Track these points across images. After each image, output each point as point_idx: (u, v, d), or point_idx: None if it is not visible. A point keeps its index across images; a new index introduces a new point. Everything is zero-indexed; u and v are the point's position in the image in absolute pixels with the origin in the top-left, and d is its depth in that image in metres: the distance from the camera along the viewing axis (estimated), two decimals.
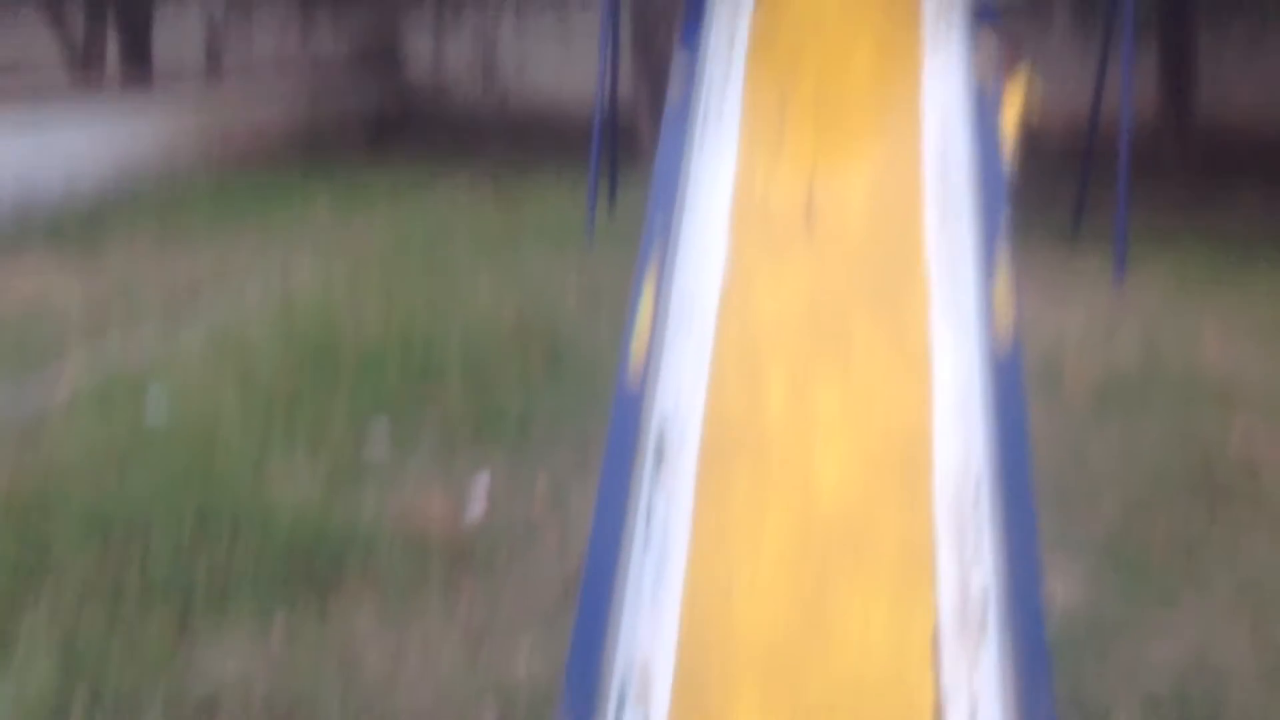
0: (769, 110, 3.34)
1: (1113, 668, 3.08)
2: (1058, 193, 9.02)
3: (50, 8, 11.95)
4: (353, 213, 8.92)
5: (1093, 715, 2.87)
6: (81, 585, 3.25)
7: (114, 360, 5.34)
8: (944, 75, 3.44)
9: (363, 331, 5.53)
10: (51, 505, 3.67)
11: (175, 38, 14.04)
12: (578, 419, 4.73)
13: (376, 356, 5.28)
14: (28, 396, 4.89)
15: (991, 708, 1.98)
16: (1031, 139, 8.89)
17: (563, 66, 13.79)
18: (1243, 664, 3.12)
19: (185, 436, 4.25)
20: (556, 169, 10.37)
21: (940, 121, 3.31)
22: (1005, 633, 2.10)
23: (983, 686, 2.00)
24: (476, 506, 3.95)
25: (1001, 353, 2.61)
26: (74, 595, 3.20)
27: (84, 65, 11.94)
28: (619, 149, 9.36)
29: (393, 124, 13.99)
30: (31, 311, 6.17)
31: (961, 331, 2.65)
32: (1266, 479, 4.33)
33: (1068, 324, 6.47)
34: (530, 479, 4.21)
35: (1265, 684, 3.04)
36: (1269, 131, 12.10)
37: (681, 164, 3.12)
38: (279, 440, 4.31)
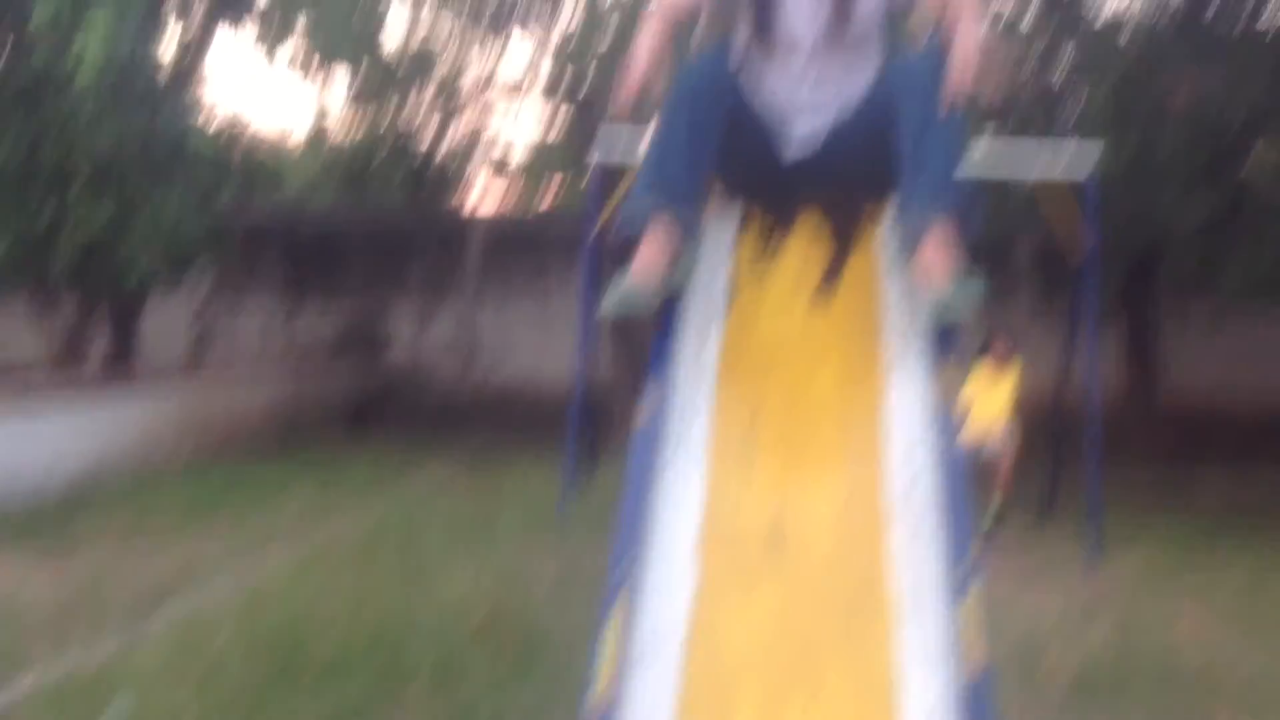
0: (737, 433, 3.39)
1: None
2: (1028, 475, 9.07)
3: (40, 299, 12.18)
4: (328, 502, 8.93)
5: None
6: None
7: (75, 663, 5.25)
8: (906, 395, 3.50)
9: (330, 632, 5.46)
10: None
11: (163, 328, 14.36)
12: (550, 718, 4.63)
13: (343, 658, 5.20)
14: None
15: None
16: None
17: (542, 350, 14.07)
18: None
19: None
20: (534, 451, 10.46)
21: (904, 441, 3.35)
22: None
23: None
24: None
25: (971, 678, 2.55)
26: None
27: (70, 355, 12.12)
28: (596, 430, 9.50)
29: (374, 407, 14.15)
30: None
31: (929, 659, 2.61)
32: None
33: (1043, 609, 6.40)
34: None
35: None
36: (1234, 409, 12.30)
37: (649, 493, 3.15)
38: None
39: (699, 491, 3.16)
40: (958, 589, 2.75)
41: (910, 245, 3.23)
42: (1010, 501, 8.45)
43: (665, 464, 3.26)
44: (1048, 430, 8.99)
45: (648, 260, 3.22)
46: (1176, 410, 11.91)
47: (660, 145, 3.27)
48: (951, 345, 3.71)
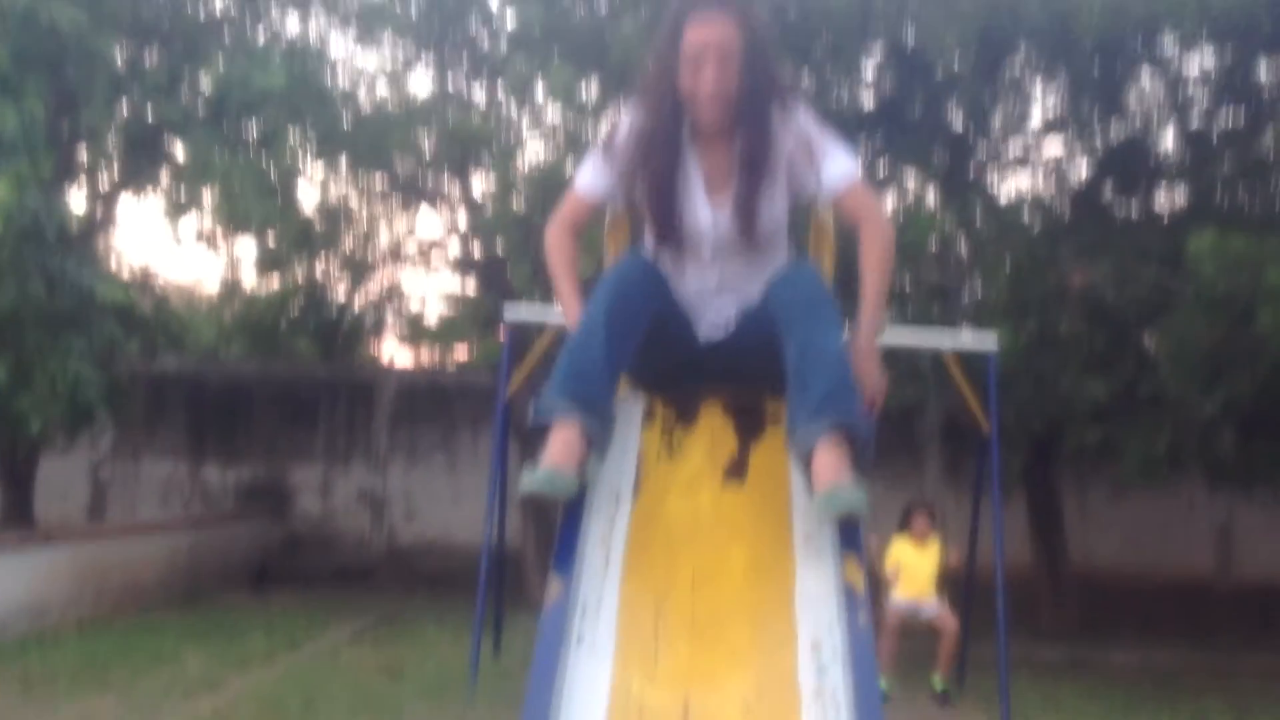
0: (644, 623, 3.37)
1: None
2: (935, 647, 9.10)
3: None
4: (227, 664, 8.70)
5: None
6: None
7: None
8: (816, 581, 3.52)
9: None
10: None
11: (61, 481, 14.05)
12: None
13: None
14: None
15: None
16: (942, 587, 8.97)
17: (452, 508, 13.97)
18: None
19: None
20: (442, 612, 10.30)
21: (814, 629, 3.37)
22: None
23: None
24: None
25: None
26: None
27: None
28: (506, 592, 9.37)
29: (277, 565, 13.91)
30: None
31: None
32: None
33: None
34: None
35: None
36: (1139, 580, 12.53)
37: (553, 687, 3.11)
38: None
39: (604, 686, 3.12)
40: None
41: (801, 460, 3.23)
42: (955, 672, 8.50)
43: (570, 658, 3.23)
44: (956, 602, 9.06)
45: (557, 455, 3.18)
46: (1083, 581, 12.10)
47: (580, 347, 3.25)
48: (856, 535, 3.75)
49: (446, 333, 16.74)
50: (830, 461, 3.13)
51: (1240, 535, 13.20)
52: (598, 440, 3.25)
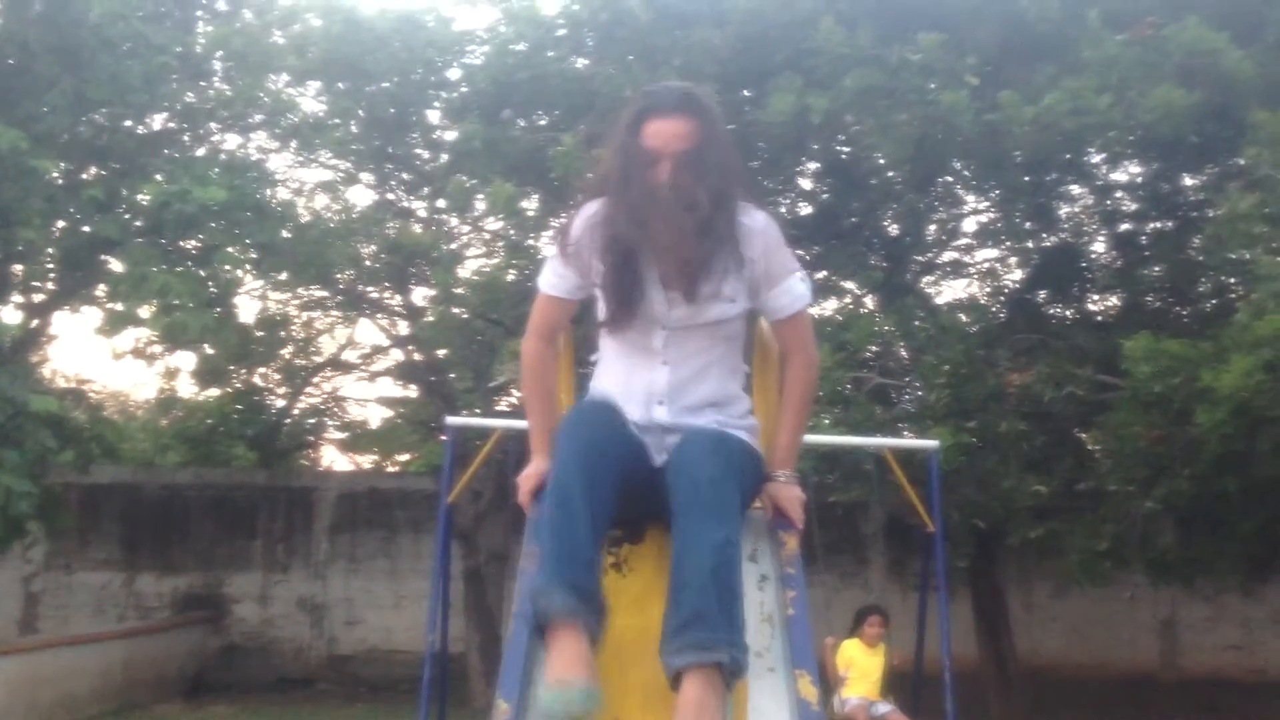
0: None
1: None
2: None
3: None
4: None
5: None
6: None
7: None
8: (770, 697, 3.53)
9: None
10: None
11: None
12: None
13: None
14: None
15: None
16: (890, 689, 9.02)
17: (393, 613, 13.78)
18: None
19: None
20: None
21: None
22: None
23: None
24: None
25: None
26: None
27: None
28: (450, 698, 9.21)
29: (214, 675, 13.60)
30: None
31: None
32: None
33: None
34: None
35: None
36: (1084, 672, 12.57)
37: None
38: None
39: None
40: None
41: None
42: None
43: None
44: (905, 696, 9.05)
45: (573, 668, 2.89)
46: (1030, 674, 12.14)
47: (563, 525, 3.01)
48: (807, 651, 3.76)
49: (387, 439, 16.68)
50: (694, 700, 2.86)
51: (1183, 627, 13.31)
52: (597, 636, 3.01)
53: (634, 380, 3.42)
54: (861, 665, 8.73)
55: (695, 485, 3.04)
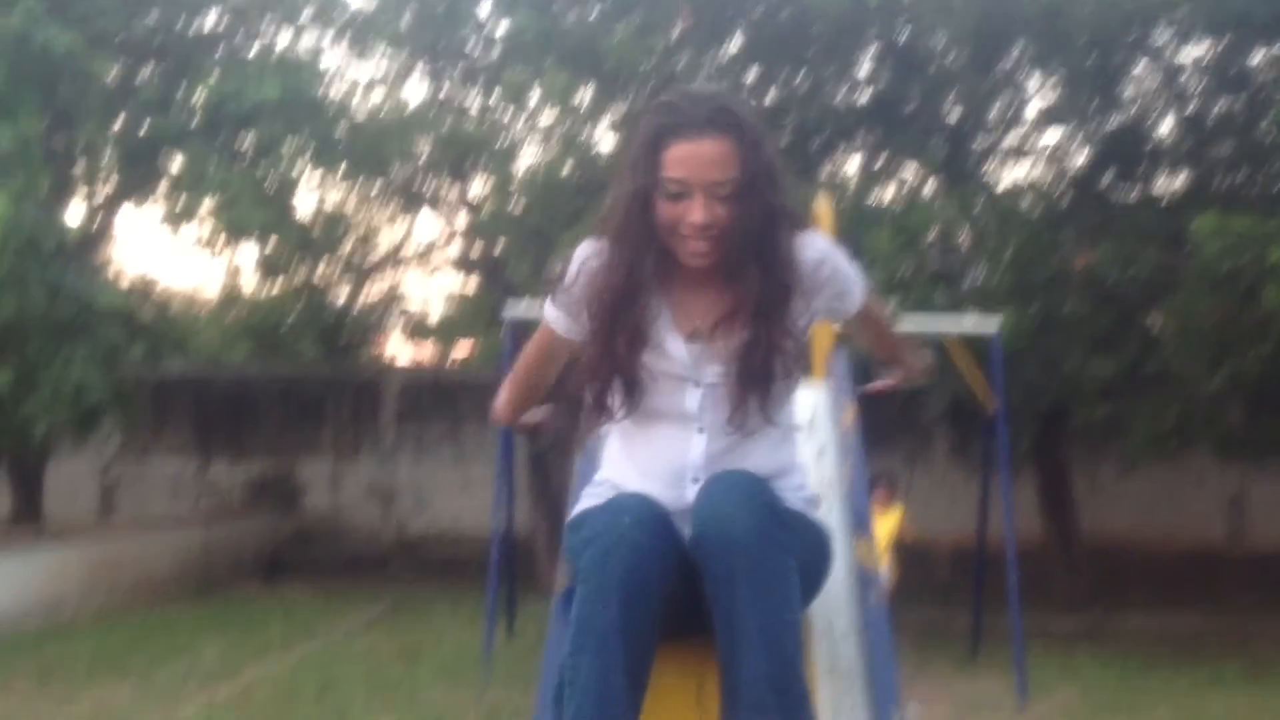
0: None
1: None
2: (953, 620, 9.20)
3: None
4: (243, 652, 8.73)
5: None
6: None
7: None
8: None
9: None
10: None
11: (70, 482, 14.13)
12: None
13: None
14: None
15: None
16: (923, 567, 9.26)
17: (460, 498, 14.02)
18: None
19: None
20: (454, 599, 10.35)
21: (826, 605, 3.41)
22: None
23: None
24: None
25: None
26: None
27: None
28: (518, 577, 9.45)
29: (289, 557, 13.96)
30: None
31: None
32: None
33: None
34: None
35: None
36: (1150, 550, 12.59)
37: None
38: None
39: None
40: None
41: None
42: (938, 652, 8.61)
43: None
44: (970, 574, 9.15)
45: None
46: (1096, 553, 12.18)
47: (597, 677, 2.30)
48: (866, 518, 3.83)
49: (449, 331, 16.83)
50: None
51: (1252, 505, 13.27)
52: None
53: (660, 453, 2.58)
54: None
55: (732, 547, 2.30)
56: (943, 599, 8.77)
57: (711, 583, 2.33)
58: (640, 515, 2.39)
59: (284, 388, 15.49)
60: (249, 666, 8.29)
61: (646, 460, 2.60)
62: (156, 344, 12.88)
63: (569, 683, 2.31)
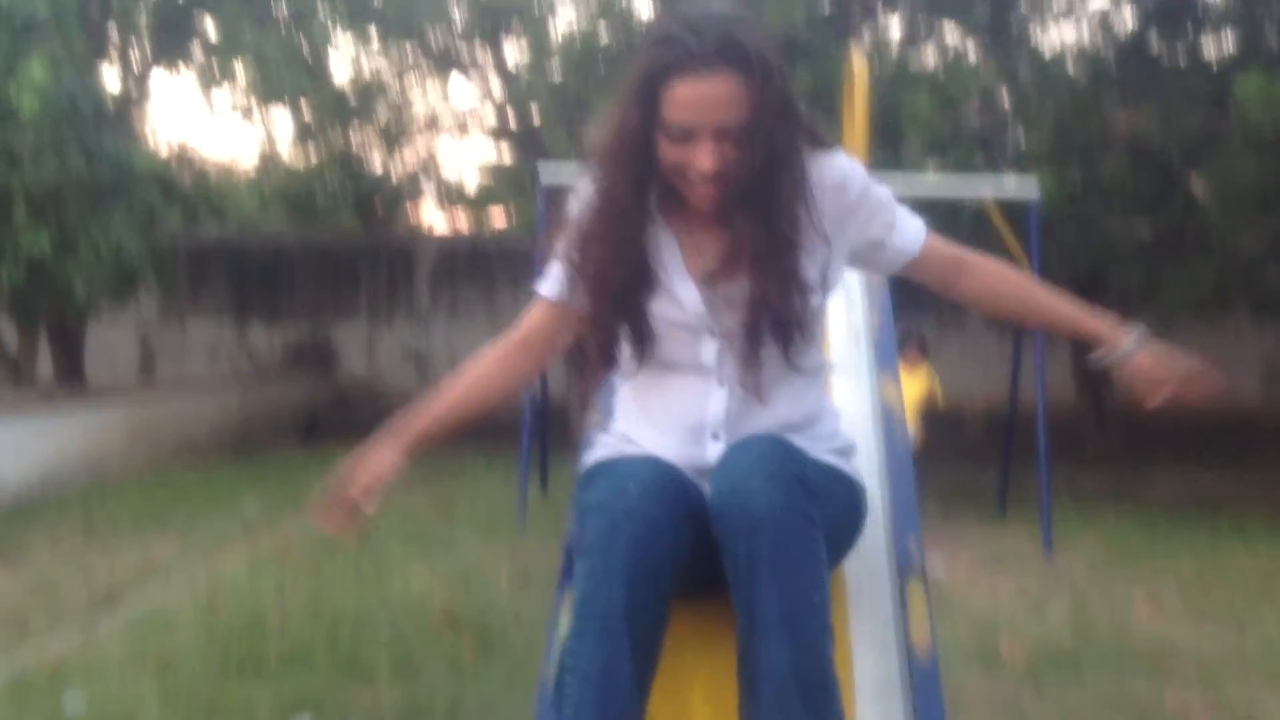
0: None
1: None
2: (981, 479, 9.29)
3: None
4: (283, 510, 8.90)
5: None
6: None
7: (32, 656, 5.21)
8: (853, 398, 3.64)
9: (288, 627, 5.46)
10: None
11: (109, 346, 14.35)
12: (508, 706, 4.65)
13: (302, 651, 5.19)
14: None
15: None
16: (953, 429, 9.32)
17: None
18: None
19: None
20: (488, 460, 10.49)
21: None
22: None
23: None
24: None
25: (920, 662, 2.55)
26: None
27: (16, 375, 12.09)
28: (550, 436, 9.58)
29: (326, 420, 14.16)
30: None
31: (880, 640, 2.61)
32: None
33: (1000, 596, 6.55)
34: None
35: None
36: (1181, 412, 12.56)
37: None
38: None
39: None
40: (904, 569, 2.76)
41: None
42: (968, 509, 8.72)
43: None
44: (1000, 431, 9.22)
45: None
46: (1126, 416, 12.18)
47: (600, 665, 2.06)
48: (893, 356, 3.86)
49: (484, 198, 16.82)
50: None
51: None
52: None
53: (675, 408, 2.36)
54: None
55: (753, 526, 2.07)
56: (972, 459, 8.84)
57: (731, 563, 2.10)
58: (649, 483, 2.15)
59: (320, 254, 15.59)
60: (289, 520, 8.47)
61: (662, 414, 2.37)
62: (193, 209, 12.96)
63: (569, 669, 2.07)
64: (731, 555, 2.09)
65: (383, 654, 5.16)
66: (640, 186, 2.21)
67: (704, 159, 2.10)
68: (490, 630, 5.72)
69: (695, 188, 2.16)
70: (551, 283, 2.41)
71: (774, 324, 2.22)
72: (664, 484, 2.17)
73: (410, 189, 16.10)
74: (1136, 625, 6.05)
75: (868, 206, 2.32)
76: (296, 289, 15.50)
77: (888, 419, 3.48)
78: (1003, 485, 9.14)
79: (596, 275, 2.26)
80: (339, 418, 14.21)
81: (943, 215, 9.94)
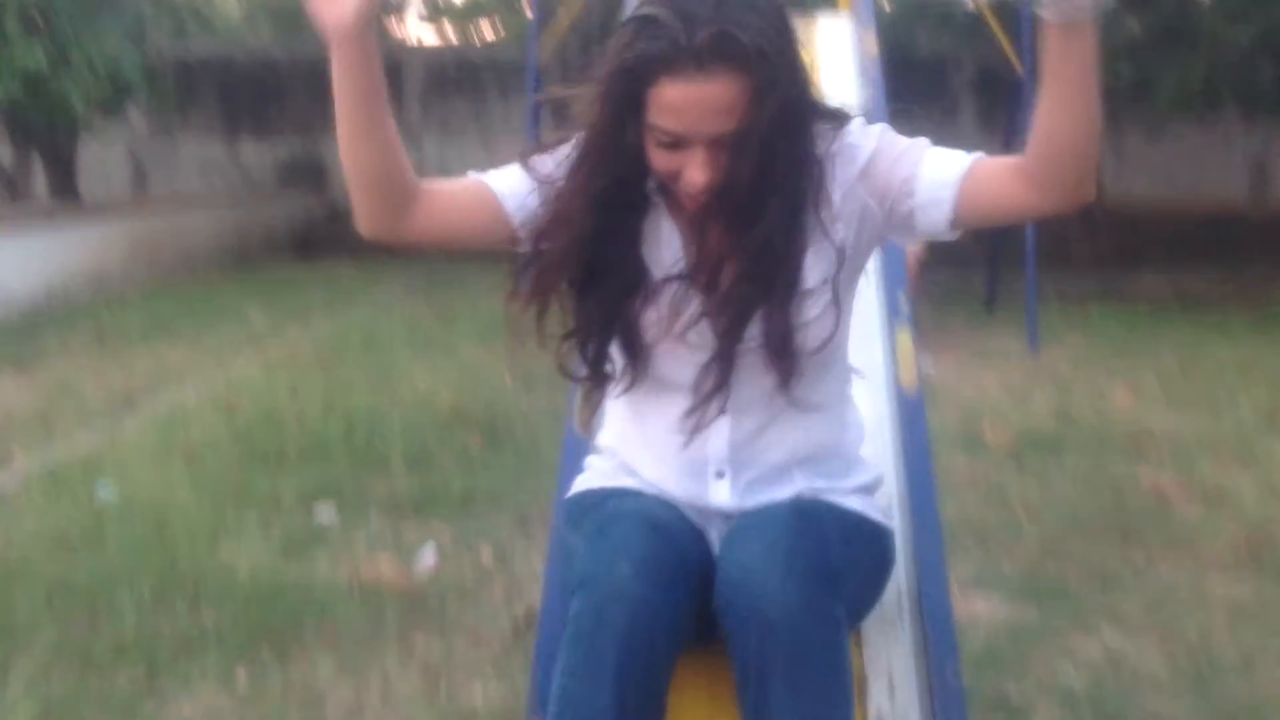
0: None
1: (1033, 672, 3.29)
2: (970, 282, 9.49)
3: None
4: (287, 319, 9.12)
5: (1015, 712, 3.06)
6: (52, 648, 3.35)
7: (61, 452, 5.45)
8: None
9: (304, 422, 5.69)
10: (13, 579, 3.78)
11: (101, 163, 14.35)
12: (516, 494, 4.89)
13: (319, 444, 5.43)
14: None
15: (907, 678, 2.15)
16: None
17: (487, 170, 14.20)
18: (1151, 666, 3.34)
19: (138, 514, 4.37)
20: (484, 270, 10.63)
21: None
22: (918, 621, 2.28)
23: (899, 663, 2.17)
24: (425, 564, 4.09)
25: (907, 394, 2.81)
26: (45, 657, 3.30)
27: (12, 191, 12.15)
28: None
29: (320, 235, 14.26)
30: None
31: (869, 372, 2.85)
32: (1172, 515, 4.62)
33: (987, 388, 6.82)
34: (474, 545, 4.35)
35: (1171, 679, 3.26)
36: (1173, 212, 12.71)
37: None
38: (230, 516, 4.45)
39: None
40: (892, 315, 3.00)
41: None
42: (916, 302, 8.90)
43: None
44: (989, 233, 9.37)
45: None
46: (1117, 215, 12.33)
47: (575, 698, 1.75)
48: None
49: (471, 10, 16.63)
50: None
51: (1276, 167, 13.29)
52: None
53: (673, 435, 1.93)
54: None
55: (766, 629, 1.72)
56: (961, 263, 8.99)
57: (739, 665, 1.76)
58: (644, 559, 1.76)
59: (309, 68, 15.46)
60: (294, 329, 8.69)
61: (657, 439, 1.95)
62: (182, 21, 12.86)
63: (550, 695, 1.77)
64: (740, 657, 1.75)
65: (396, 447, 5.39)
66: (628, 182, 1.79)
67: (696, 172, 1.70)
68: (496, 426, 5.96)
69: (685, 197, 1.76)
70: (493, 174, 1.89)
71: (769, 351, 1.81)
72: (661, 553, 1.78)
73: (397, 1, 15.92)
74: (1116, 412, 6.32)
75: (903, 163, 1.80)
76: (286, 104, 15.41)
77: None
78: (991, 286, 9.34)
79: (580, 278, 1.83)
80: (331, 234, 14.30)
81: (935, 12, 9.97)
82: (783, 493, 1.91)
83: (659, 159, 1.73)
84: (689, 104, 1.66)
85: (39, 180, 12.89)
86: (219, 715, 3.11)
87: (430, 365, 7.22)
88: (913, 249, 8.89)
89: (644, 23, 1.67)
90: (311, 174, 15.25)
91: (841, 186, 1.81)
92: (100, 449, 5.49)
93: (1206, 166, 13.00)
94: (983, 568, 3.96)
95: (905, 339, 2.91)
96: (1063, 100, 1.61)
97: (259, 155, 15.41)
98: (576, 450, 2.27)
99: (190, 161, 15.34)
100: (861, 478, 2.01)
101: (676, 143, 1.69)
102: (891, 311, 3.06)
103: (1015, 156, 1.74)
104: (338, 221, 14.75)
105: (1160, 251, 12.16)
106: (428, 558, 4.14)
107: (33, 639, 3.41)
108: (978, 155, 1.79)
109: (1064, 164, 1.66)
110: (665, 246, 1.85)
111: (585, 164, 1.79)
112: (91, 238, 10.77)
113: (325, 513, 4.67)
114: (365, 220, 1.84)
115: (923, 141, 1.82)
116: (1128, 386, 6.85)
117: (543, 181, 1.83)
